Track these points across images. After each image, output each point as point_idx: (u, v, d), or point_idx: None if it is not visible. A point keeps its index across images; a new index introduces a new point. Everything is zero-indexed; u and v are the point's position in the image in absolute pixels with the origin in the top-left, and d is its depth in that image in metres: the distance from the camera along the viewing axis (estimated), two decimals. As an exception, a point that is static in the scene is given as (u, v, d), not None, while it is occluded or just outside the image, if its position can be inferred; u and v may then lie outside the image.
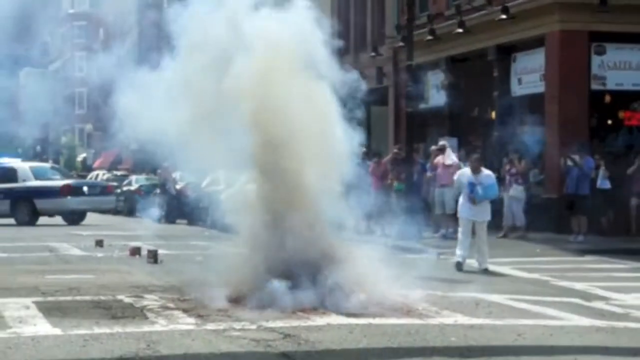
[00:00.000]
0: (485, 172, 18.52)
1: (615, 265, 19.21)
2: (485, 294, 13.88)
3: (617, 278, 16.49)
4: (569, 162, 24.17)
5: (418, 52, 29.68)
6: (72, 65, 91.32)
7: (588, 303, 13.50)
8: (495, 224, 25.15)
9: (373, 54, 37.25)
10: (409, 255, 18.51)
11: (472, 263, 18.41)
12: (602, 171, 25.14)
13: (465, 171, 18.81)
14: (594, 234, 24.25)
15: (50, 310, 11.61)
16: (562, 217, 24.88)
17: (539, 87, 27.72)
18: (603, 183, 25.15)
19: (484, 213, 18.31)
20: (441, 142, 26.77)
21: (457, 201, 19.35)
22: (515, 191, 25.15)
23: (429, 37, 31.77)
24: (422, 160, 27.77)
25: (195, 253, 19.51)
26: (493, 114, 30.57)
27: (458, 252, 18.26)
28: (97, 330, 10.31)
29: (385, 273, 12.73)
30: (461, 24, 30.02)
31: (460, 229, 18.54)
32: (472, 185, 18.16)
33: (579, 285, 15.60)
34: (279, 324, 10.76)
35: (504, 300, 13.36)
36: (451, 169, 23.87)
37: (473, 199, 18.09)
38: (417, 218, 21.19)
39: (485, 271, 17.74)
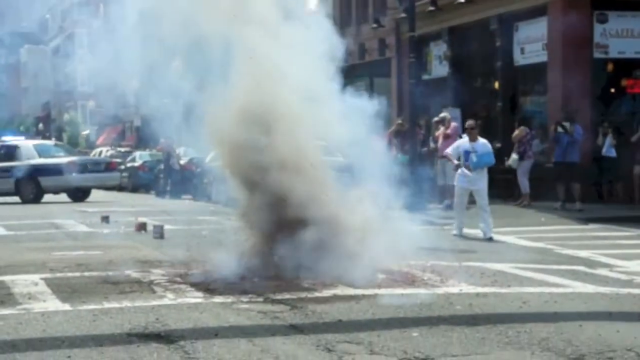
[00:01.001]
0: (481, 140, 18.89)
1: (619, 232, 19.29)
2: (490, 263, 13.99)
3: (621, 245, 16.57)
4: (559, 129, 24.22)
5: (420, 23, 29.66)
6: (73, 41, 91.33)
7: (592, 270, 13.60)
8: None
9: (375, 25, 37.22)
10: (414, 226, 18.56)
11: (477, 233, 18.58)
12: (608, 139, 25.20)
13: (463, 140, 19.20)
14: (592, 202, 24.27)
15: (59, 287, 11.69)
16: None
17: (542, 57, 27.71)
18: (609, 151, 25.22)
19: (480, 181, 18.70)
20: (442, 114, 26.82)
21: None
22: (512, 160, 25.37)
23: (431, 8, 31.76)
24: (422, 131, 27.82)
25: (200, 228, 19.62)
26: (496, 84, 30.59)
27: (455, 223, 18.71)
28: (106, 305, 10.41)
29: (390, 244, 12.79)
30: (463, -6, 30.02)
31: (455, 199, 18.90)
32: (467, 154, 18.50)
33: (583, 253, 15.70)
34: (285, 296, 10.86)
35: (509, 268, 13.45)
36: (452, 139, 23.93)
37: (468, 167, 18.33)
38: (421, 189, 21.31)
39: (490, 240, 17.88)
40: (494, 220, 18.59)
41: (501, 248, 16.68)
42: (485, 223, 18.41)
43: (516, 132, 25.64)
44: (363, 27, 39.26)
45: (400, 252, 12.82)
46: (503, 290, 11.40)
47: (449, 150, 19.40)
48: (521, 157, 25.30)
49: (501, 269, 13.38)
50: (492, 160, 19.07)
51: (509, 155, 25.95)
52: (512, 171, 25.87)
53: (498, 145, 27.81)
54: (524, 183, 25.27)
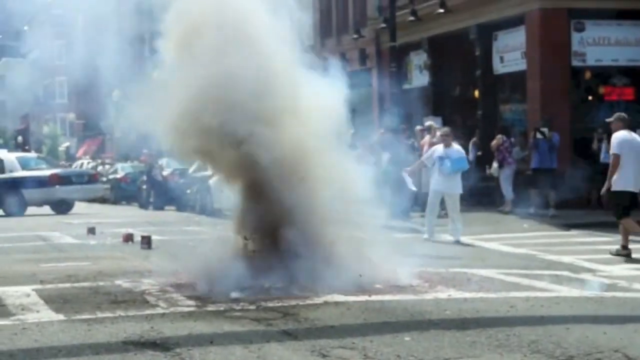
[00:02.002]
0: (455, 146, 19.67)
1: (601, 238, 19.50)
2: (476, 269, 14.19)
3: (602, 250, 16.79)
4: (538, 135, 24.51)
5: (400, 33, 29.94)
6: (51, 54, 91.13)
7: (576, 275, 13.81)
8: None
9: (355, 36, 37.46)
10: (398, 235, 18.77)
11: (463, 239, 18.92)
12: (604, 145, 25.43)
13: (437, 147, 19.85)
14: (569, 208, 24.44)
15: (51, 297, 11.79)
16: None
17: (521, 65, 28.00)
18: (606, 157, 25.38)
19: (454, 186, 19.39)
20: (427, 123, 27.09)
21: None
22: (493, 168, 25.74)
23: (411, 18, 32.00)
24: (408, 141, 27.99)
25: (187, 238, 19.74)
26: (476, 93, 30.87)
27: (426, 226, 19.21)
28: (100, 314, 10.53)
29: (377, 252, 12.97)
30: (442, 4, 30.27)
31: (428, 203, 19.37)
32: (441, 159, 19.21)
33: (566, 259, 15.93)
34: (277, 303, 11.01)
35: (494, 274, 13.66)
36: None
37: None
38: (405, 198, 21.51)
39: (458, 243, 18.63)
40: (477, 227, 18.92)
41: (486, 254, 16.90)
42: (455, 227, 19.15)
43: (494, 140, 25.92)
44: (343, 37, 39.50)
45: (388, 260, 12.99)
46: (490, 295, 11.60)
47: (422, 158, 19.92)
48: (501, 165, 25.59)
49: (487, 275, 13.59)
50: (465, 165, 19.76)
51: (490, 164, 26.24)
52: (494, 178, 26.18)
53: (479, 153, 28.11)
54: (507, 190, 25.54)
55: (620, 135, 16.46)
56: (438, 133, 26.08)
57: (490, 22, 29.07)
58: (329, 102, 13.17)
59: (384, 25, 32.26)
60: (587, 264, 15.25)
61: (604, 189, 16.99)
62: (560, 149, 24.89)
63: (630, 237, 16.37)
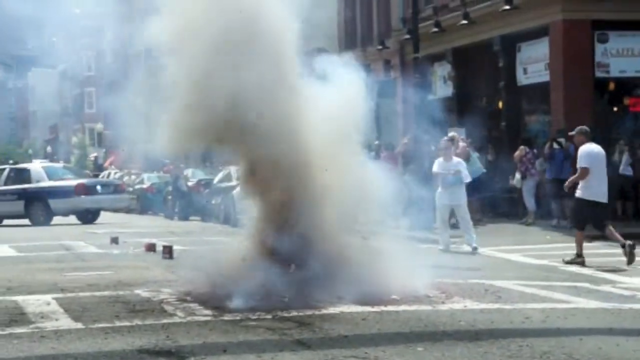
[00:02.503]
0: (455, 159, 20.16)
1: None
2: (494, 280, 14.20)
3: (624, 262, 16.74)
4: (555, 145, 24.53)
5: (424, 44, 30.03)
6: (80, 65, 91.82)
7: (596, 287, 13.80)
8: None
9: (380, 47, 37.56)
10: (420, 245, 18.82)
11: (484, 250, 18.96)
12: (625, 157, 25.40)
13: (439, 160, 20.15)
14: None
15: (70, 306, 11.91)
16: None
17: (544, 76, 27.99)
18: (626, 169, 25.37)
19: (459, 197, 19.74)
20: (450, 134, 27.09)
21: None
22: (515, 180, 25.74)
23: (435, 29, 32.07)
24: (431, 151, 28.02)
25: (209, 248, 19.80)
26: (500, 104, 30.87)
27: (440, 239, 19.65)
28: (117, 323, 10.63)
29: (397, 263, 13.00)
30: (465, 16, 30.32)
31: (437, 217, 19.47)
32: (443, 173, 19.74)
33: (586, 270, 15.93)
34: (293, 313, 11.07)
35: (513, 285, 13.67)
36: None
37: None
38: (427, 208, 21.56)
39: (475, 250, 18.90)
40: (499, 238, 18.97)
41: (506, 265, 16.91)
42: (469, 236, 19.39)
43: (517, 152, 25.92)
44: (368, 48, 39.58)
45: (406, 270, 13.01)
46: (506, 307, 11.61)
47: (435, 169, 20.15)
48: (524, 176, 25.57)
49: (505, 286, 13.59)
50: (467, 177, 20.12)
51: (513, 175, 26.22)
52: (516, 190, 26.17)
53: (502, 164, 28.11)
54: (529, 201, 25.51)
55: (588, 149, 17.01)
56: (461, 144, 26.17)
57: (513, 33, 29.08)
58: (348, 107, 13.18)
59: (407, 36, 32.35)
60: (607, 276, 15.25)
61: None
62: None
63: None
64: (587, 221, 17.25)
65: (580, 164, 16.98)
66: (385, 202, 13.25)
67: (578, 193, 17.01)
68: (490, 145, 30.31)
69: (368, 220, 13.26)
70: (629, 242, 16.67)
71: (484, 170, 24.83)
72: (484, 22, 30.01)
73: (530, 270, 16.19)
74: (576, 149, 17.89)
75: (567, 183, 17.52)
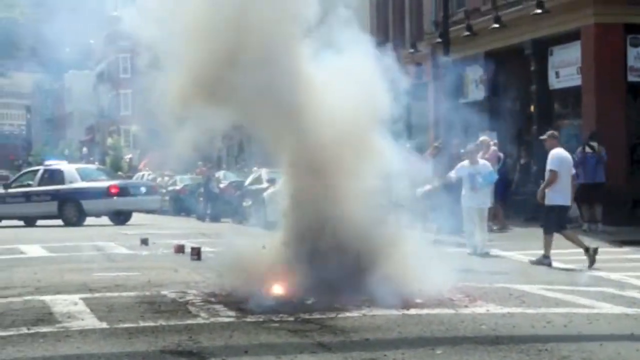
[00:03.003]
0: (481, 161, 20.30)
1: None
2: (520, 285, 14.18)
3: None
4: (588, 149, 24.47)
5: (456, 48, 30.03)
6: (116, 67, 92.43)
7: (622, 292, 13.74)
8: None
9: (412, 50, 37.54)
10: (448, 249, 18.86)
11: (512, 254, 18.97)
12: None
13: (464, 164, 20.20)
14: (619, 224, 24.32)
15: (97, 306, 12.05)
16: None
17: (577, 80, 27.89)
18: None
19: (485, 201, 20.00)
20: (481, 138, 27.05)
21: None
22: None
23: (466, 33, 32.04)
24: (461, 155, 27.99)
25: (238, 250, 19.87)
26: (532, 108, 30.79)
27: (467, 242, 19.74)
28: (141, 323, 10.75)
29: (422, 266, 13.03)
30: (497, 19, 30.27)
31: (465, 220, 19.48)
32: (472, 176, 19.60)
33: (614, 275, 15.86)
34: (316, 315, 11.14)
35: (537, 290, 13.65)
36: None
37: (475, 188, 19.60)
38: (456, 212, 21.56)
39: (487, 255, 19.13)
40: (529, 242, 19.01)
41: (533, 270, 16.88)
42: (482, 238, 19.62)
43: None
44: (400, 51, 39.55)
45: (431, 274, 13.03)
46: (529, 311, 11.62)
47: (452, 173, 20.33)
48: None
49: (530, 290, 13.58)
50: (494, 178, 20.52)
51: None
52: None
53: (534, 167, 28.04)
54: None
55: (557, 153, 17.63)
56: (492, 148, 26.13)
57: (545, 37, 29.01)
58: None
59: (439, 39, 32.31)
60: (635, 281, 15.17)
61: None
62: (616, 164, 24.77)
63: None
64: (553, 224, 17.65)
65: (550, 166, 17.53)
66: (416, 204, 13.30)
67: (551, 201, 17.48)
68: (522, 149, 30.29)
69: (398, 221, 13.33)
70: (593, 247, 17.33)
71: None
72: (516, 25, 29.95)
73: (557, 274, 16.16)
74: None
75: (539, 191, 18.04)
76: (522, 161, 29.52)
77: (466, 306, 11.87)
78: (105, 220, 34.58)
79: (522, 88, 31.23)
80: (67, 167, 36.12)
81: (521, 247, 20.23)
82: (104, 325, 10.71)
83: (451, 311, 11.47)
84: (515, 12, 29.96)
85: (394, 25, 40.88)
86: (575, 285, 14.50)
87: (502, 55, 31.89)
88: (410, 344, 9.47)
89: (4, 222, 35.08)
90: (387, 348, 9.23)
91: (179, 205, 42.91)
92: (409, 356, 8.86)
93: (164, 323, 10.75)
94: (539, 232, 23.96)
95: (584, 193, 24.45)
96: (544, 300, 12.71)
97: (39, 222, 34.46)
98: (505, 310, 11.62)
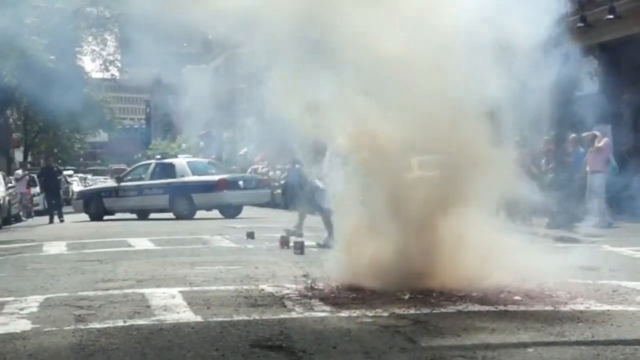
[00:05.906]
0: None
1: None
2: (626, 281, 13.75)
3: None
4: None
5: (570, 39, 29.33)
6: (232, 61, 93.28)
7: None
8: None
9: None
10: (559, 244, 18.52)
11: (623, 250, 18.49)
12: None
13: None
14: None
15: (194, 299, 12.14)
16: None
17: (695, 72, 27.10)
18: None
19: None
20: (593, 132, 26.54)
21: None
22: None
23: (580, 24, 31.35)
24: (576, 149, 27.49)
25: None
26: (647, 100, 30.06)
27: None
28: (235, 317, 10.76)
29: (526, 261, 12.80)
30: (612, 10, 29.59)
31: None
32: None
33: None
34: (411, 310, 11.00)
35: (644, 287, 13.25)
36: (601, 155, 23.80)
37: None
38: (569, 207, 21.19)
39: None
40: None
41: (641, 267, 16.40)
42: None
43: None
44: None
45: (535, 269, 12.78)
46: (631, 308, 11.25)
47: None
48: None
49: (636, 287, 13.17)
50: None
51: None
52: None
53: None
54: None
55: None
56: (605, 138, 25.62)
57: (661, 28, 28.25)
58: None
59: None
60: None
61: None
62: None
63: None
64: None
65: None
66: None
67: None
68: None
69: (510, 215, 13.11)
70: None
71: None
72: (631, 16, 29.21)
73: (671, 272, 15.65)
74: None
75: None
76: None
77: (566, 303, 11.56)
78: (216, 213, 34.94)
79: (637, 81, 30.45)
80: (178, 161, 36.64)
81: (633, 242, 19.69)
82: (198, 318, 10.76)
83: (549, 308, 11.18)
84: (631, 3, 29.25)
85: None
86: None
87: (617, 47, 31.13)
88: (502, 341, 9.25)
89: (118, 215, 35.80)
90: (477, 344, 9.04)
91: (291, 198, 43.01)
92: (499, 353, 8.66)
93: (257, 317, 10.75)
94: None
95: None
96: (649, 297, 12.31)
97: (152, 215, 35.03)
98: (606, 307, 11.28)
